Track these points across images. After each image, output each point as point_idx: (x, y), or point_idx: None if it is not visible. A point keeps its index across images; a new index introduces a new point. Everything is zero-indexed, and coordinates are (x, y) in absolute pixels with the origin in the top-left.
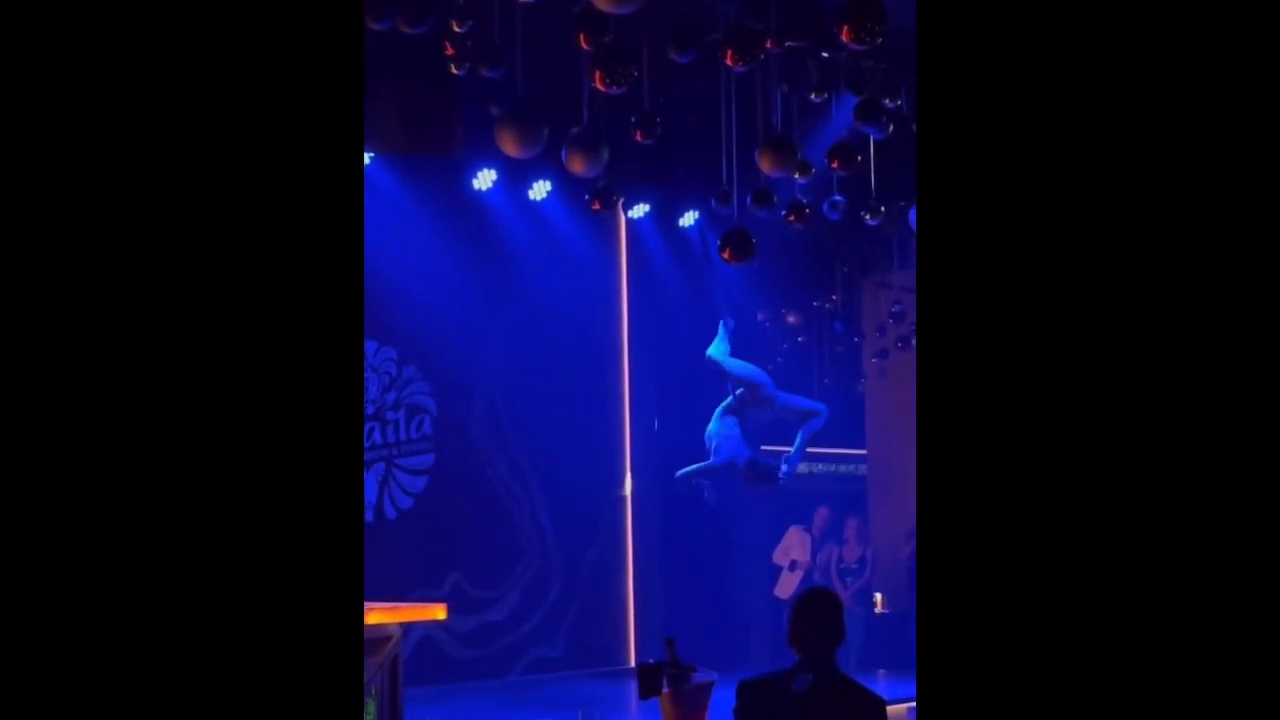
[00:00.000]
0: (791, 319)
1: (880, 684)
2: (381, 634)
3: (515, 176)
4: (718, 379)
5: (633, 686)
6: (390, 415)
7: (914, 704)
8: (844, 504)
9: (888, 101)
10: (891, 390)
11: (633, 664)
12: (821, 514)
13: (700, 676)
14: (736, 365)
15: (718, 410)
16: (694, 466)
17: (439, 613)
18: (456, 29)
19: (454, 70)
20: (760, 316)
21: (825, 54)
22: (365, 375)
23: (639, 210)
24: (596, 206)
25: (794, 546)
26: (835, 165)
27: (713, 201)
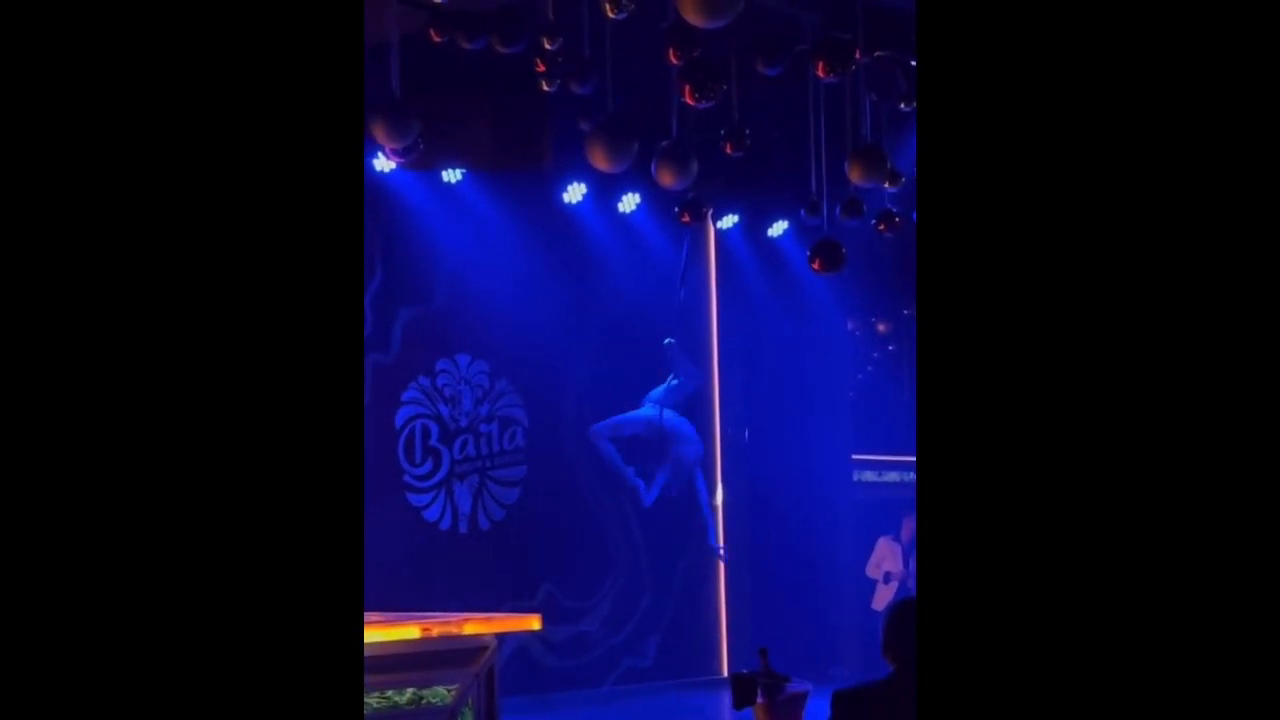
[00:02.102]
0: (882, 327)
1: None
2: (477, 644)
3: (605, 190)
4: (807, 389)
5: (726, 697)
6: (484, 428)
7: None
8: None
9: None
10: None
11: (725, 674)
12: (909, 523)
13: (794, 687)
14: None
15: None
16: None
17: (533, 623)
18: (547, 46)
19: (545, 87)
20: (850, 325)
21: (914, 62)
22: (459, 388)
23: (728, 221)
24: (686, 218)
25: (885, 558)
26: None
27: (802, 211)
